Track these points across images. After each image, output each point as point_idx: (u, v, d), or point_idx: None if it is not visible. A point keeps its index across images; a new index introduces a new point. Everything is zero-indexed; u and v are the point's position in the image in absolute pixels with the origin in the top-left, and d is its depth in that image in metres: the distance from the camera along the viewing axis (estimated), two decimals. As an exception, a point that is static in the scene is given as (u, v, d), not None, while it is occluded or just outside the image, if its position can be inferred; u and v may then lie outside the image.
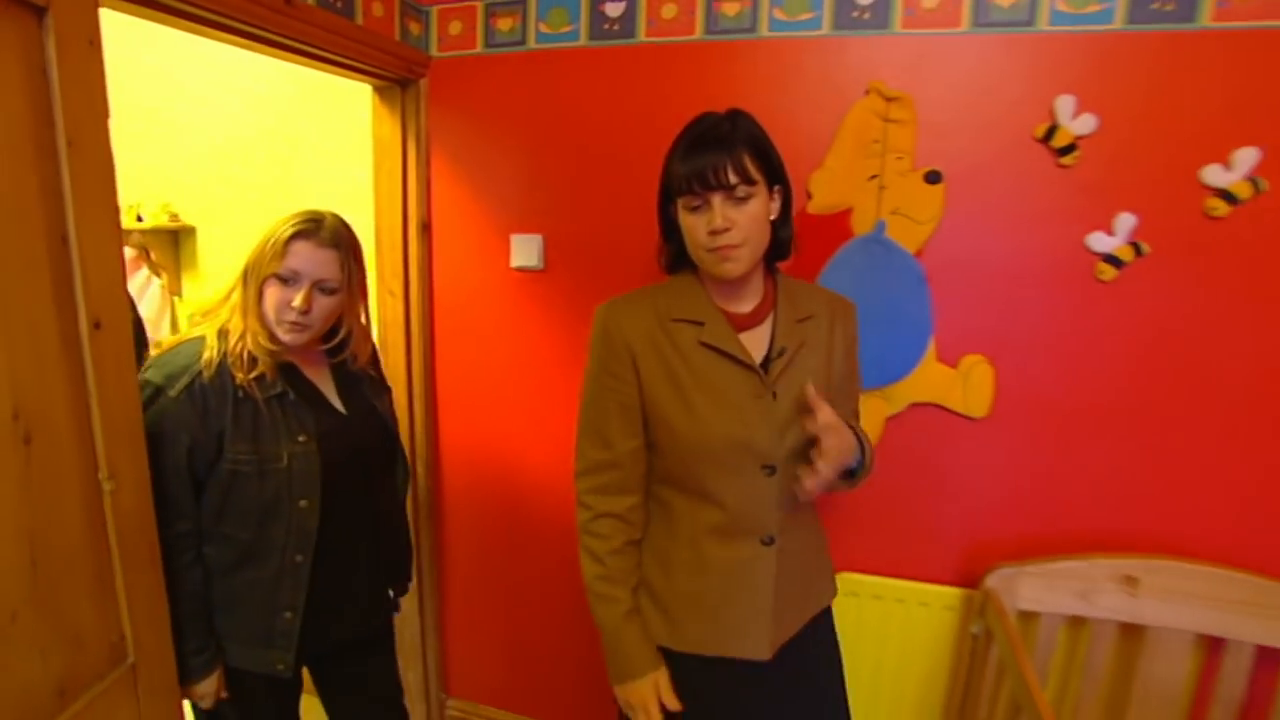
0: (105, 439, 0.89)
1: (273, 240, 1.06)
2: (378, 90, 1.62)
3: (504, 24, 1.55)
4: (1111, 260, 1.32)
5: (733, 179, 0.92)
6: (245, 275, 1.08)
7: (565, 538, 1.76)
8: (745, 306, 1.03)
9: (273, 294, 1.06)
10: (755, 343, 1.02)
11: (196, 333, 1.10)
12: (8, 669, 0.79)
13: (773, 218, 0.99)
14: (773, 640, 1.03)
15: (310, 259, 1.06)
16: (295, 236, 1.06)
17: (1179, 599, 1.29)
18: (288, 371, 1.12)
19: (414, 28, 1.56)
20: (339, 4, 1.33)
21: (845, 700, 1.17)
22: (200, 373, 1.04)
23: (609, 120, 1.54)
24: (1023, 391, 1.40)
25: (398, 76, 1.55)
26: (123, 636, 0.95)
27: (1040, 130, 1.31)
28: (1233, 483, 1.33)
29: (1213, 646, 1.33)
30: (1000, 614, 1.30)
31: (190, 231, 1.99)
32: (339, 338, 1.18)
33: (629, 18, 1.48)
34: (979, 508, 1.46)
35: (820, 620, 1.13)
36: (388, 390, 1.34)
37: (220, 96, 1.83)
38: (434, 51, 1.61)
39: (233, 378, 1.06)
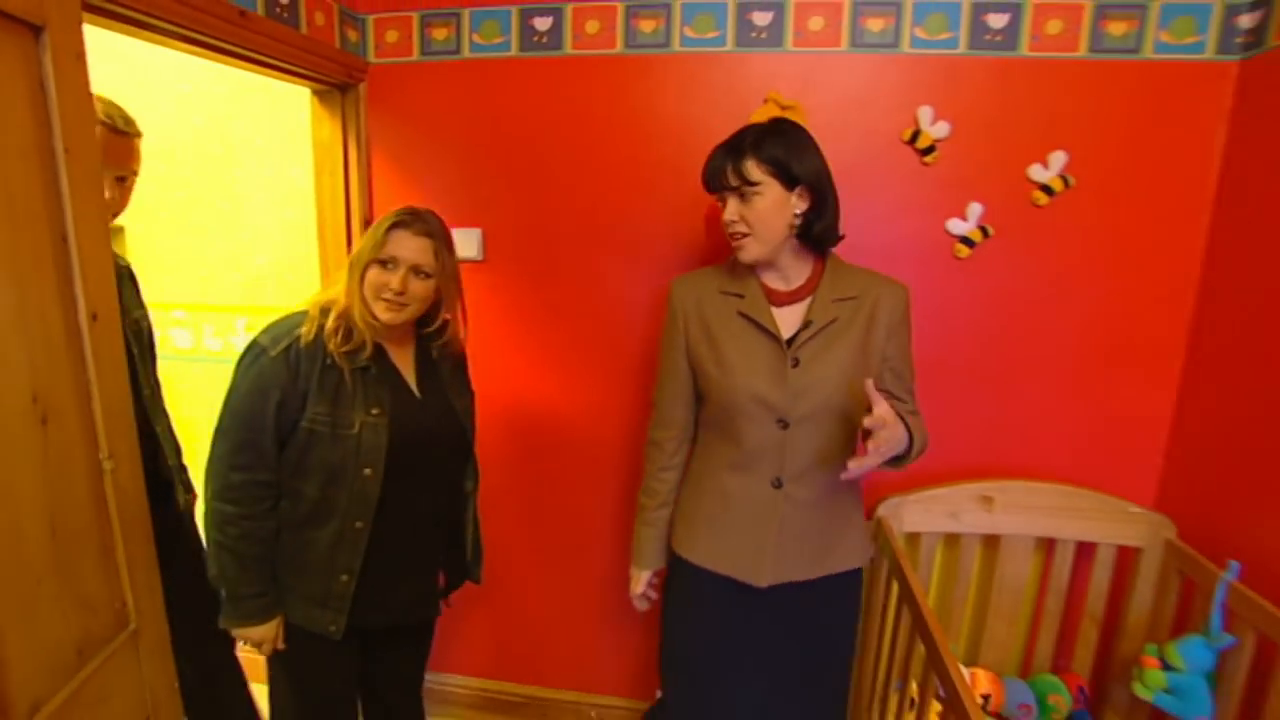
0: (104, 422, 0.98)
1: (374, 231, 1.18)
2: (317, 94, 1.68)
3: (439, 34, 1.67)
4: (966, 241, 1.59)
5: (732, 181, 1.10)
6: (351, 266, 1.19)
7: (522, 514, 1.89)
8: (787, 285, 1.21)
9: (373, 276, 1.17)
10: (793, 317, 1.19)
11: (303, 307, 1.21)
12: (40, 626, 0.87)
13: (797, 212, 1.13)
14: (773, 574, 1.20)
15: (406, 245, 1.17)
16: (394, 226, 1.18)
17: (1023, 511, 1.60)
18: (375, 352, 1.21)
19: (352, 35, 1.65)
20: (285, 15, 1.41)
21: (843, 656, 1.34)
22: (299, 338, 1.15)
23: (540, 123, 1.68)
24: (902, 352, 1.67)
25: (338, 81, 1.63)
26: (124, 604, 1.03)
27: (906, 134, 1.56)
28: (1060, 417, 1.65)
29: (1049, 547, 1.65)
30: (890, 535, 1.57)
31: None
32: (435, 324, 1.28)
33: (556, 31, 1.63)
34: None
35: (843, 580, 1.27)
36: (472, 394, 1.43)
37: (147, 95, 1.83)
38: (372, 58, 1.70)
39: (325, 347, 1.16)
